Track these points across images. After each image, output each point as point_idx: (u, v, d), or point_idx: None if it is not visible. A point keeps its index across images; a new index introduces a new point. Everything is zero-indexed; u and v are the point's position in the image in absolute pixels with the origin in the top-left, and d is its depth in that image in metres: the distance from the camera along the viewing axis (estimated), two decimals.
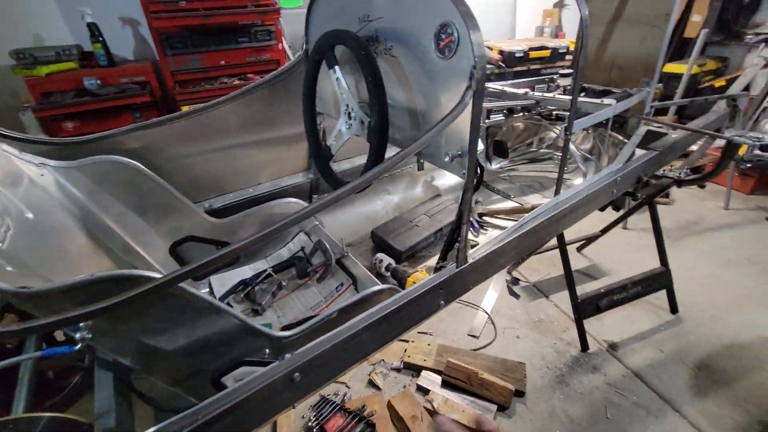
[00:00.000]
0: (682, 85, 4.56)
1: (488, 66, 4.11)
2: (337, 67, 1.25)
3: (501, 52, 3.97)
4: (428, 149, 1.15)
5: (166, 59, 3.32)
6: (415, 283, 1.43)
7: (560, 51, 4.06)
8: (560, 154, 2.26)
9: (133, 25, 3.67)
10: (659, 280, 2.88)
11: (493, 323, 2.91)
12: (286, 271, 1.64)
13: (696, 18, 5.02)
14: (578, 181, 2.06)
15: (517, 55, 3.89)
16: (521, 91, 1.93)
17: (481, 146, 2.27)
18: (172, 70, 3.37)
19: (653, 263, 2.80)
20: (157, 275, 0.67)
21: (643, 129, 1.97)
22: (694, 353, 2.54)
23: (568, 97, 1.71)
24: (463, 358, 2.28)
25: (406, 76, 1.14)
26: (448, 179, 2.33)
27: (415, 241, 1.77)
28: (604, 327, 2.88)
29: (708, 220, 4.02)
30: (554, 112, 1.74)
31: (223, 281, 1.60)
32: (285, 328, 1.15)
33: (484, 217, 2.00)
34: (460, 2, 0.90)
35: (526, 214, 1.36)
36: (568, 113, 1.35)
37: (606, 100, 1.61)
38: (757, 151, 1.60)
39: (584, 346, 2.74)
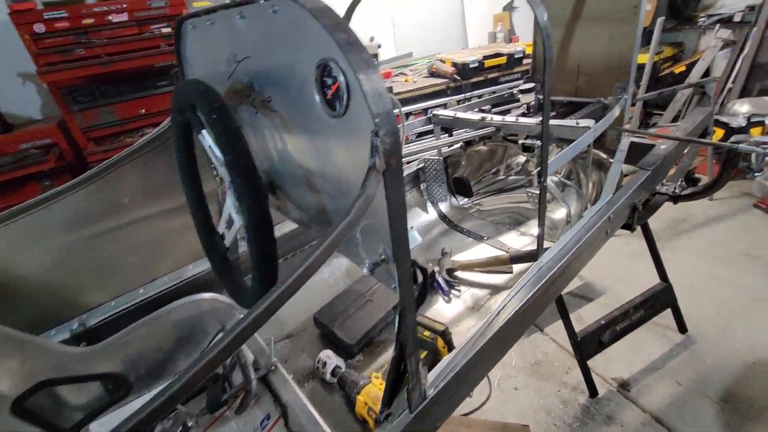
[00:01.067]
0: (645, 76, 4.39)
1: (443, 80, 3.83)
2: (205, 131, 0.86)
3: (454, 65, 3.68)
4: (347, 246, 0.76)
5: (73, 115, 2.86)
6: (366, 404, 1.01)
7: (516, 56, 3.80)
8: (532, 179, 1.91)
9: (35, 80, 3.19)
10: (662, 299, 2.58)
11: (486, 375, 2.49)
12: (196, 399, 1.21)
13: (647, 7, 4.92)
14: (559, 213, 1.72)
15: (471, 65, 3.60)
16: (477, 116, 1.57)
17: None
18: (82, 127, 2.91)
19: (648, 270, 2.48)
20: None
21: (626, 143, 1.65)
22: (715, 381, 2.23)
23: (534, 121, 1.37)
24: (457, 429, 1.88)
25: (295, 141, 0.76)
26: (423, 218, 1.94)
27: (370, 324, 1.37)
28: (609, 361, 2.55)
29: (695, 215, 3.80)
30: (520, 141, 1.38)
31: (109, 425, 1.15)
32: None
33: (455, 273, 1.62)
34: (339, 28, 0.53)
35: (505, 295, 0.98)
36: (538, 147, 1.00)
37: (582, 122, 1.27)
38: None
39: (592, 391, 2.38)
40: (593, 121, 1.27)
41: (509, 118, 1.48)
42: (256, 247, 0.71)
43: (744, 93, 4.42)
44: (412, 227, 0.64)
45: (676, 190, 1.79)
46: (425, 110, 3.64)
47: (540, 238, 1.08)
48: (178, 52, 1.07)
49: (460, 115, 1.65)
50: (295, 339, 1.46)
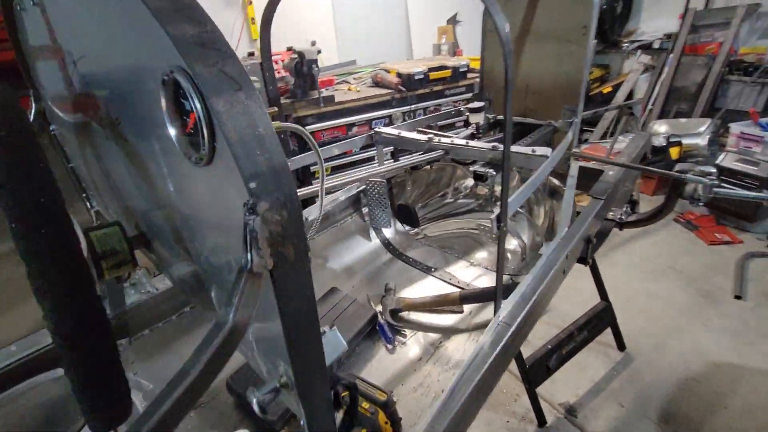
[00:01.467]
0: (584, 91, 4.59)
1: (388, 90, 3.68)
2: None
3: (399, 75, 3.54)
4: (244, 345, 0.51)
5: None
6: None
7: (461, 70, 3.75)
8: (483, 204, 1.78)
9: None
10: (604, 318, 2.59)
11: None
12: None
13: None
14: (511, 244, 1.60)
15: (416, 77, 3.49)
16: (423, 137, 1.40)
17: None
18: None
19: (588, 287, 2.46)
20: None
21: (575, 168, 1.57)
22: (654, 400, 2.26)
23: (488, 146, 1.22)
24: None
25: (155, 182, 0.50)
26: (364, 246, 1.70)
27: None
28: (556, 385, 2.50)
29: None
30: (472, 169, 1.22)
31: None
32: None
33: (401, 315, 1.42)
34: (183, 17, 0.30)
35: (458, 341, 0.79)
36: (491, 176, 0.83)
37: (538, 150, 1.14)
38: (720, 189, 1.23)
39: (541, 421, 2.31)
40: (549, 149, 1.14)
41: (459, 141, 1.32)
42: (73, 371, 0.43)
43: (663, 114, 4.77)
44: (332, 327, 0.42)
45: (622, 217, 1.75)
46: (369, 122, 3.46)
47: (498, 292, 0.91)
48: (15, 43, 0.76)
49: (405, 134, 1.47)
50: (203, 410, 1.16)
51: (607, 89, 5.34)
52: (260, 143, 0.30)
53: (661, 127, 4.85)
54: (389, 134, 1.50)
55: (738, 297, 3.02)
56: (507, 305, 0.97)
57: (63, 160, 0.95)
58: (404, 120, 3.59)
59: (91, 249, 0.59)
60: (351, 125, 3.36)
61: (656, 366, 2.52)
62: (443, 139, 1.35)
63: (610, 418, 2.26)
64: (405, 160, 1.24)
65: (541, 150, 1.14)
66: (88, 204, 1.01)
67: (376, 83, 3.67)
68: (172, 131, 0.37)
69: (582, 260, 1.35)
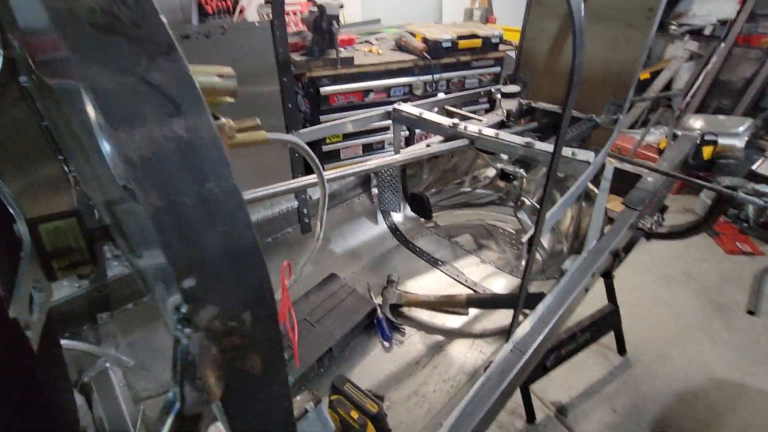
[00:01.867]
0: (635, 85, 4.27)
1: (411, 57, 3.42)
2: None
3: (425, 41, 3.28)
4: None
5: None
6: None
7: (492, 41, 3.46)
8: (501, 194, 1.64)
9: None
10: (609, 321, 2.50)
11: None
12: None
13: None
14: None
15: (444, 44, 3.22)
16: (447, 121, 1.24)
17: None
18: None
19: (596, 285, 2.35)
20: None
21: (610, 170, 1.41)
22: (649, 410, 2.21)
23: (521, 141, 1.07)
24: None
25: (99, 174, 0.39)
26: (371, 230, 1.60)
27: None
28: (550, 382, 2.46)
29: None
30: (499, 166, 1.08)
31: None
32: None
33: (401, 310, 1.33)
34: None
35: (458, 346, 0.71)
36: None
37: (579, 153, 0.99)
38: None
39: (530, 417, 2.28)
40: (591, 153, 0.99)
41: (487, 131, 1.17)
42: None
43: (701, 108, 4.46)
44: (318, 404, 0.32)
45: (653, 227, 1.61)
46: (387, 89, 3.25)
47: (515, 316, 0.80)
48: None
49: (427, 115, 1.31)
50: None
51: (644, 75, 4.97)
52: (210, 210, 0.18)
53: (697, 123, 4.51)
54: (409, 114, 1.34)
55: (751, 312, 2.91)
56: (522, 329, 0.86)
57: (36, 116, 0.83)
58: (425, 91, 3.36)
59: (40, 245, 0.49)
60: (368, 91, 3.15)
61: (655, 375, 2.47)
62: (470, 127, 1.19)
63: (601, 423, 2.23)
64: (420, 149, 1.10)
65: (582, 153, 0.99)
66: (66, 168, 0.90)
67: (400, 47, 3.41)
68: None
69: (606, 275, 1.23)
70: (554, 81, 1.52)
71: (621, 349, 2.62)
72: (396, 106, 1.39)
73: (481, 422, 0.73)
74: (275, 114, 1.19)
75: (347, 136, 3.29)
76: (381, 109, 1.42)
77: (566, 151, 1.01)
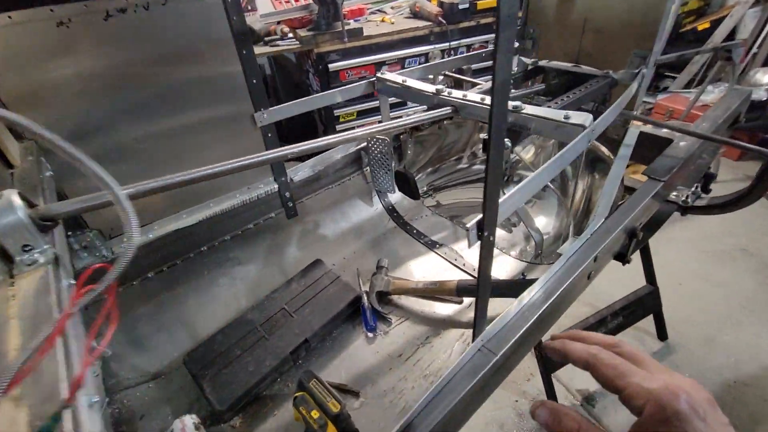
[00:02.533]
0: (664, 32, 3.76)
1: (426, 23, 3.18)
2: None
3: (441, 4, 3.04)
4: None
5: None
6: None
7: None
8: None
9: None
10: (646, 305, 2.28)
11: None
12: None
13: None
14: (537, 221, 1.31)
15: (461, 6, 2.96)
16: (431, 88, 1.10)
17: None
18: None
19: (636, 264, 2.11)
20: None
21: (634, 134, 1.20)
22: None
23: (509, 105, 0.91)
24: None
25: None
26: (365, 212, 1.51)
27: (257, 376, 1.01)
28: (576, 369, 2.28)
29: None
30: (482, 136, 0.93)
31: None
32: None
33: (390, 298, 1.24)
34: None
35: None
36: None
37: (574, 116, 0.82)
38: None
39: None
40: (589, 116, 0.82)
41: (473, 96, 1.01)
42: None
43: None
44: None
45: (689, 199, 1.38)
46: (401, 61, 3.06)
47: (477, 309, 0.68)
48: None
49: (411, 83, 1.17)
50: (163, 381, 1.10)
51: (703, 25, 4.37)
52: None
53: (765, 77, 3.96)
54: (393, 82, 1.20)
55: None
56: (493, 328, 0.74)
57: None
58: (443, 59, 3.14)
59: None
60: (380, 63, 2.99)
61: (700, 363, 2.22)
62: (454, 93, 1.04)
63: (632, 415, 2.06)
64: (398, 120, 0.97)
65: (577, 116, 0.82)
66: None
67: (415, 14, 3.20)
68: None
69: (620, 257, 1.06)
70: (563, 34, 1.31)
71: (661, 334, 2.39)
72: (379, 74, 1.26)
73: (438, 426, 0.64)
74: (246, 96, 1.09)
75: (361, 114, 3.17)
76: (366, 82, 1.29)
77: (557, 114, 0.84)
